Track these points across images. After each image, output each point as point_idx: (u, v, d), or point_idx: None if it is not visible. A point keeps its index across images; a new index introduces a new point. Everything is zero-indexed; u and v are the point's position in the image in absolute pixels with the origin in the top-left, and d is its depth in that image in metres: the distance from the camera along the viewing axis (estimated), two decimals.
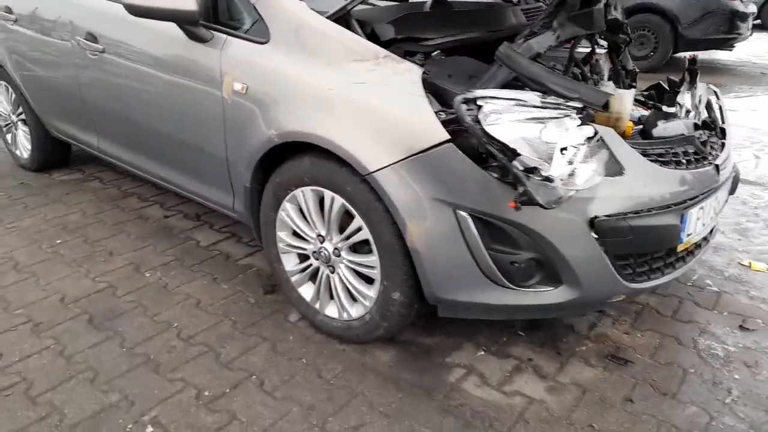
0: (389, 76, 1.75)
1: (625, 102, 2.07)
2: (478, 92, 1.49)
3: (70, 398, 1.84)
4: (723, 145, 2.15)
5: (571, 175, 1.52)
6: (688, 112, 2.24)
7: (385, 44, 1.95)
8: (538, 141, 1.49)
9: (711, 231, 2.20)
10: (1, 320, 2.23)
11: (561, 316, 2.05)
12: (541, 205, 1.49)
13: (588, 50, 2.50)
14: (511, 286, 1.73)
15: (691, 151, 1.97)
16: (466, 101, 1.46)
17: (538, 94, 1.64)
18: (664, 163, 1.85)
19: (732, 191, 2.21)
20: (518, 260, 1.69)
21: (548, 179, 1.48)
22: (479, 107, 1.46)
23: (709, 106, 2.33)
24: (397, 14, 2.02)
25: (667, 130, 1.99)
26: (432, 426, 1.75)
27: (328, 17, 1.89)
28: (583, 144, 1.56)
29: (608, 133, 1.74)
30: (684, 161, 1.92)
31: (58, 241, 2.86)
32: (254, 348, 2.08)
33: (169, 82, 2.28)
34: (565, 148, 1.51)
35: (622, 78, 2.52)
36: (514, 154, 1.44)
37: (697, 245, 2.10)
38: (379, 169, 1.69)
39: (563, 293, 1.77)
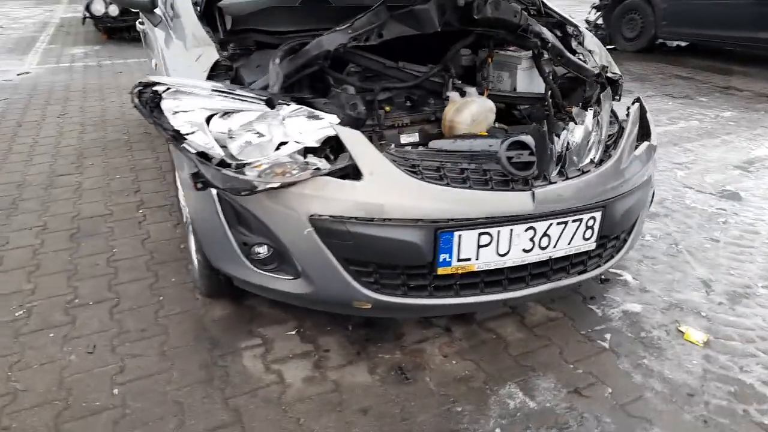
0: (200, 60, 1.98)
1: (463, 112, 1.93)
2: (157, 78, 1.64)
3: None
4: (566, 172, 1.85)
5: (251, 163, 1.59)
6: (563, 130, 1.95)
7: (240, 33, 2.15)
8: (220, 128, 1.58)
9: (569, 267, 1.93)
10: None
11: (317, 308, 2.03)
12: (222, 189, 1.60)
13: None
14: (252, 266, 1.85)
15: (489, 170, 1.77)
16: (144, 85, 1.63)
17: (217, 85, 1.71)
18: (433, 177, 1.72)
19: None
20: (249, 243, 1.80)
21: (225, 164, 1.58)
22: (157, 93, 1.61)
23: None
24: (261, 6, 2.18)
25: (456, 144, 1.82)
26: (186, 370, 1.98)
27: (198, 10, 2.18)
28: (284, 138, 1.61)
29: (353, 136, 1.70)
30: (472, 178, 1.74)
31: None
32: None
33: None
34: (249, 138, 1.59)
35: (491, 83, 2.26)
36: (181, 137, 1.58)
37: (533, 276, 1.88)
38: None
39: (300, 285, 1.82)
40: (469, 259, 1.77)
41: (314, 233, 1.69)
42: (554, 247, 1.86)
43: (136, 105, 1.57)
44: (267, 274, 1.84)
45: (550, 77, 2.26)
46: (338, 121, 1.74)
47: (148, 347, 2.11)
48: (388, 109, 2.10)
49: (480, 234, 1.74)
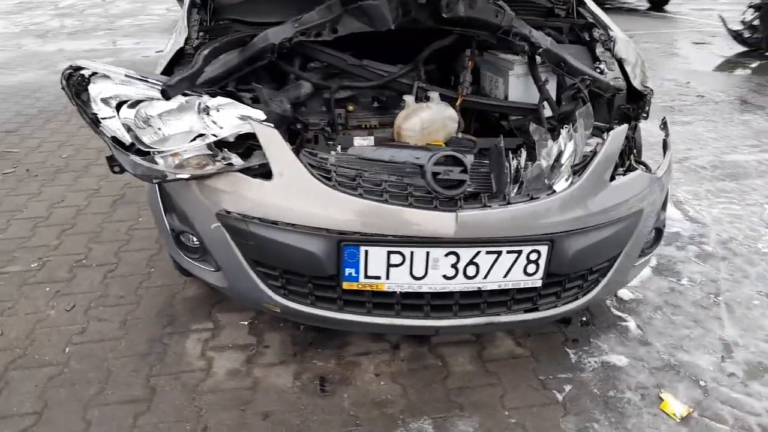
0: (169, 47, 2.04)
1: (411, 119, 1.78)
2: (84, 62, 1.67)
3: None
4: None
5: (165, 152, 1.60)
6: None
7: (224, 22, 2.15)
8: (128, 114, 1.60)
9: (510, 303, 1.73)
10: None
11: (240, 301, 2.03)
12: (133, 175, 1.64)
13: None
14: (182, 253, 1.88)
15: (412, 184, 1.61)
16: (73, 69, 1.68)
17: (130, 72, 1.69)
18: (347, 186, 1.61)
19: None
20: (176, 230, 1.83)
21: (140, 152, 1.61)
22: (84, 77, 1.65)
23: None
24: None
25: (377, 152, 1.66)
26: (133, 342, 2.08)
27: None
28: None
29: (268, 134, 1.63)
30: (390, 192, 1.60)
31: None
32: None
33: None
34: (163, 127, 1.60)
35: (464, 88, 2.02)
36: (98, 121, 1.62)
37: (462, 306, 1.70)
38: None
39: (220, 278, 1.81)
40: (378, 278, 1.63)
41: (222, 229, 1.67)
42: (485, 278, 1.66)
43: (63, 87, 1.66)
44: (194, 262, 1.86)
45: (546, 86, 2.00)
46: (264, 117, 1.69)
47: (115, 314, 2.25)
48: (351, 108, 2.00)
49: (390, 252, 1.60)
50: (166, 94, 1.58)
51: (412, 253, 1.60)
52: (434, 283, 1.64)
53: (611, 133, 1.71)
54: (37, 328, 2.17)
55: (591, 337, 2.12)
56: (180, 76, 1.62)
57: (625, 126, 1.75)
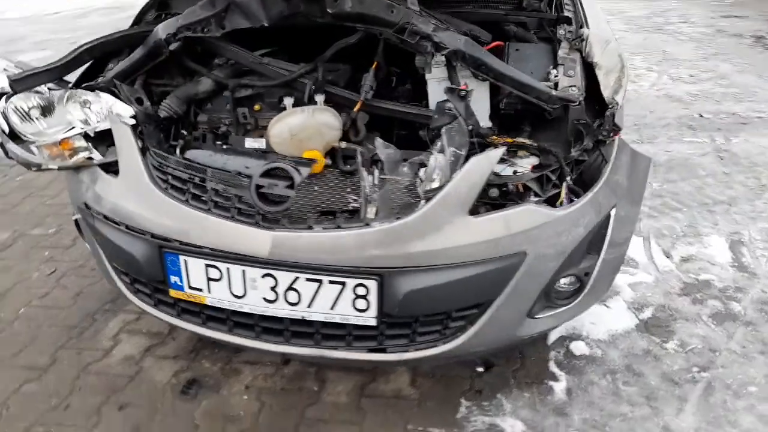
0: None
1: (278, 125, 1.65)
2: None
3: None
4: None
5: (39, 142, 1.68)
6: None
7: None
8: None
9: (349, 339, 1.55)
10: None
11: None
12: (18, 163, 1.75)
13: None
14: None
15: (240, 195, 1.48)
16: None
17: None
18: (177, 190, 1.54)
19: None
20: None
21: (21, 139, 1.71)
22: None
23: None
24: None
25: (211, 158, 1.55)
26: (72, 313, 2.24)
27: None
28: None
29: (121, 131, 1.62)
30: (215, 201, 1.50)
31: None
32: None
33: None
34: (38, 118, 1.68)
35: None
36: None
37: (294, 333, 1.56)
38: None
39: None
40: (200, 290, 1.55)
41: (83, 222, 1.72)
42: (308, 307, 1.48)
43: None
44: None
45: (464, 94, 1.70)
46: (131, 113, 1.69)
47: (78, 285, 2.45)
48: (257, 108, 1.90)
49: (207, 265, 1.51)
50: (13, 88, 1.65)
51: (228, 269, 1.49)
52: (255, 304, 1.52)
53: (471, 160, 1.41)
54: (15, 287, 2.44)
55: (500, 392, 1.80)
56: (32, 71, 1.68)
57: (492, 153, 1.43)
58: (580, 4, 1.99)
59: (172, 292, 1.60)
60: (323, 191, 1.53)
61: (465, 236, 1.42)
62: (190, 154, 1.66)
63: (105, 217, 1.63)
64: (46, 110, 1.73)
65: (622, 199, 1.68)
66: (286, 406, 1.79)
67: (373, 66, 1.77)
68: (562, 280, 1.61)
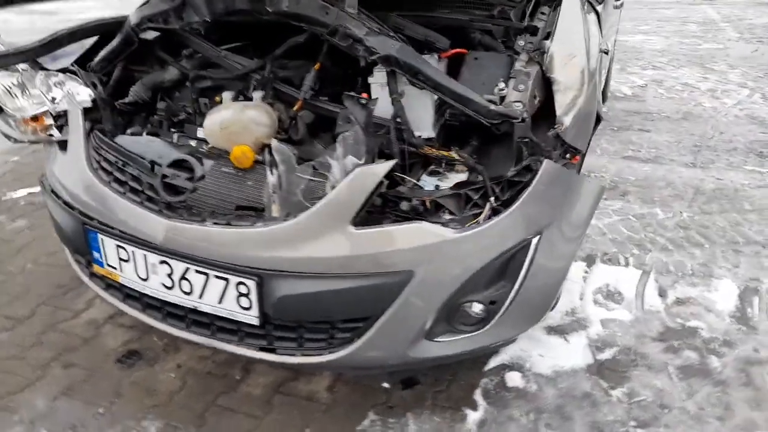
0: None
1: (210, 118, 1.69)
2: None
3: None
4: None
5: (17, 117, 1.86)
6: None
7: None
8: None
9: (241, 334, 1.58)
10: None
11: None
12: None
13: None
14: None
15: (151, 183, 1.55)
16: None
17: None
18: (104, 170, 1.63)
19: None
20: None
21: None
22: None
23: None
24: None
25: (137, 143, 1.60)
26: (55, 284, 2.44)
27: None
28: None
29: (74, 112, 1.74)
30: (131, 185, 1.57)
31: None
32: None
33: None
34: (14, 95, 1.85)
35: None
36: None
37: (193, 322, 1.62)
38: None
39: None
40: (115, 268, 1.64)
41: (41, 193, 1.88)
42: (200, 298, 1.52)
43: None
44: None
45: (400, 101, 1.64)
46: (88, 96, 1.81)
47: None
48: (218, 99, 1.94)
49: (117, 246, 1.59)
50: None
51: (133, 252, 1.57)
52: (156, 288, 1.58)
53: (355, 171, 1.37)
54: (31, 243, 2.71)
55: (412, 411, 1.74)
56: (8, 51, 1.84)
57: (379, 167, 1.38)
58: (558, 13, 1.84)
59: (95, 267, 1.70)
60: (239, 187, 1.55)
61: (345, 248, 1.40)
62: (121, 139, 1.74)
63: (52, 190, 1.77)
64: (25, 88, 1.90)
65: (553, 227, 1.56)
66: (204, 389, 1.85)
67: (315, 67, 1.76)
68: (474, 306, 1.53)
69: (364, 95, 1.55)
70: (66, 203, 1.70)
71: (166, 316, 1.65)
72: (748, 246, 2.59)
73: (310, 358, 1.54)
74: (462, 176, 1.61)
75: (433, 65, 1.65)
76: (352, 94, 1.54)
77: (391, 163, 1.40)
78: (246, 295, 1.47)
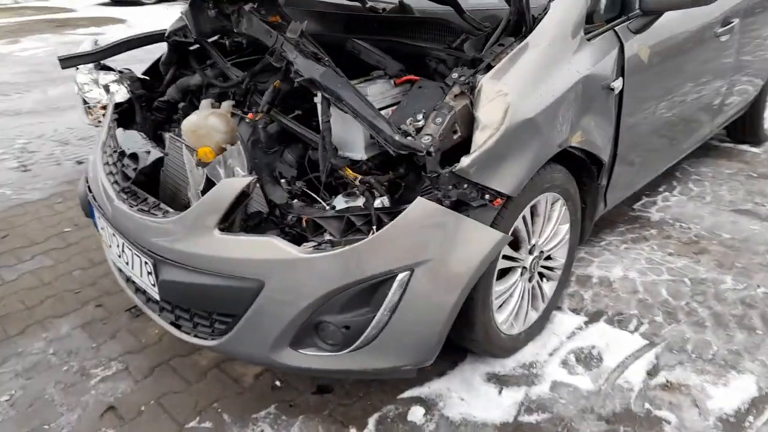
0: None
1: (185, 120, 1.98)
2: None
3: None
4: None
5: None
6: None
7: None
8: None
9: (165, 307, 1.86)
10: None
11: None
12: None
13: None
14: None
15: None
16: None
17: None
18: (106, 154, 2.04)
19: None
20: None
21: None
22: None
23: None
24: None
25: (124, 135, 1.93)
26: None
27: None
28: None
29: (109, 107, 2.18)
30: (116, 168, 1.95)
31: None
32: None
33: None
34: None
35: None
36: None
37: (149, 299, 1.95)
38: None
39: None
40: (100, 233, 2.04)
41: None
42: (132, 269, 1.83)
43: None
44: None
45: (327, 121, 1.73)
46: (125, 95, 2.25)
47: None
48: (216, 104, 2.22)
49: (98, 216, 1.98)
50: (61, 65, 2.33)
51: (105, 227, 1.94)
52: (115, 255, 1.94)
53: (220, 182, 1.54)
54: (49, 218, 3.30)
55: (308, 414, 1.84)
56: (79, 53, 2.33)
57: (237, 181, 1.52)
58: (515, 47, 1.72)
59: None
60: (174, 181, 1.83)
61: (208, 248, 1.58)
62: (119, 131, 2.13)
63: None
64: (98, 83, 2.43)
65: (428, 266, 1.53)
66: (168, 349, 2.16)
67: (275, 84, 1.93)
68: (330, 327, 1.58)
69: (250, 115, 1.70)
70: (86, 178, 2.16)
71: (125, 280, 2.00)
72: None
73: (200, 340, 1.75)
74: (377, 201, 1.66)
75: (356, 91, 1.69)
76: (238, 112, 1.70)
77: (250, 179, 1.53)
78: (150, 273, 1.73)
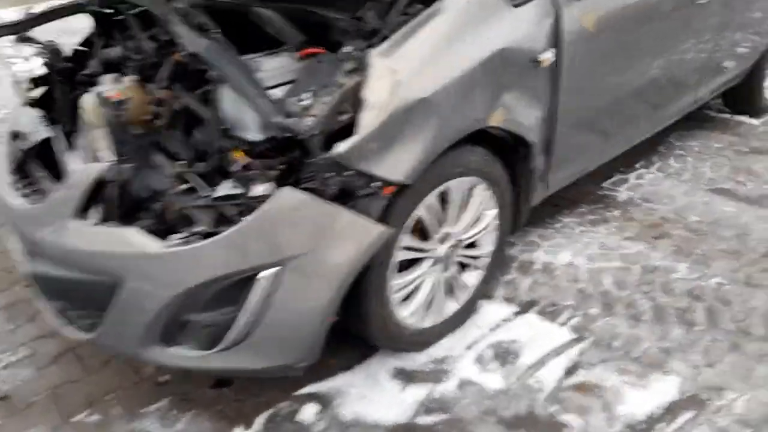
0: None
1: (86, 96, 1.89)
2: None
3: None
4: None
5: None
6: None
7: None
8: None
9: None
10: None
11: None
12: None
13: None
14: None
15: None
16: None
17: None
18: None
19: None
20: None
21: None
22: None
23: None
24: None
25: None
26: None
27: None
28: None
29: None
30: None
31: None
32: None
33: None
34: None
35: None
36: None
37: None
38: None
39: None
40: None
41: None
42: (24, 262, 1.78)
43: None
44: None
45: (213, 99, 1.61)
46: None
47: None
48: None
49: None
50: None
51: None
52: None
53: (76, 168, 1.44)
54: None
55: (199, 409, 1.76)
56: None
57: (91, 166, 1.41)
58: (420, 15, 1.55)
59: None
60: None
61: (64, 240, 1.49)
62: (23, 110, 2.05)
63: None
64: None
65: (298, 262, 1.43)
66: None
67: (175, 58, 1.80)
68: (194, 325, 1.49)
69: (118, 95, 1.58)
70: None
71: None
72: (758, 343, 1.86)
73: (78, 332, 1.68)
74: (261, 188, 1.53)
75: (243, 67, 1.55)
76: (102, 93, 1.59)
77: (108, 165, 1.44)
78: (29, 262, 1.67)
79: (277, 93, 1.57)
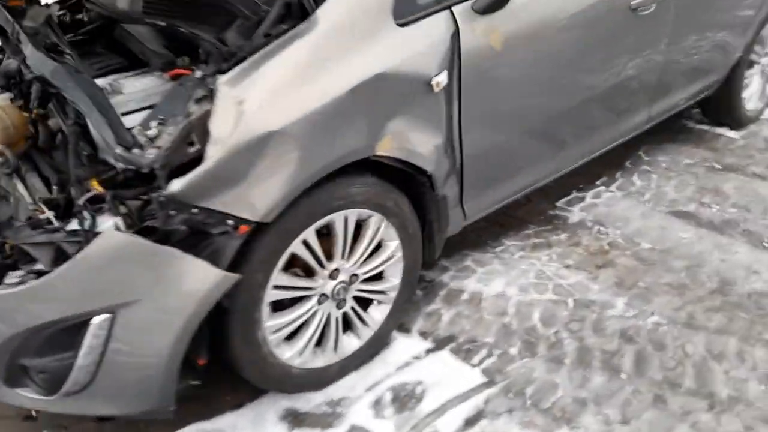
0: None
1: None
2: None
3: None
4: None
5: None
6: None
7: None
8: None
9: None
10: None
11: None
12: None
13: None
14: None
15: None
16: None
17: None
18: None
19: None
20: None
21: None
22: None
23: None
24: None
25: None
26: None
27: None
28: None
29: None
30: None
31: None
32: None
33: None
34: None
35: None
36: None
37: None
38: None
39: None
40: None
41: None
42: None
43: None
44: None
45: (73, 123, 1.48)
46: None
47: None
48: None
49: None
50: None
51: None
52: None
53: None
54: None
55: None
56: None
57: None
58: (288, 37, 1.39)
59: None
60: None
61: None
62: None
63: None
64: None
65: (135, 309, 1.30)
66: None
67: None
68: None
69: None
70: None
71: None
72: (684, 398, 1.69)
73: None
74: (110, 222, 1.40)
75: (91, 92, 1.41)
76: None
77: None
78: None
79: (137, 118, 1.43)
